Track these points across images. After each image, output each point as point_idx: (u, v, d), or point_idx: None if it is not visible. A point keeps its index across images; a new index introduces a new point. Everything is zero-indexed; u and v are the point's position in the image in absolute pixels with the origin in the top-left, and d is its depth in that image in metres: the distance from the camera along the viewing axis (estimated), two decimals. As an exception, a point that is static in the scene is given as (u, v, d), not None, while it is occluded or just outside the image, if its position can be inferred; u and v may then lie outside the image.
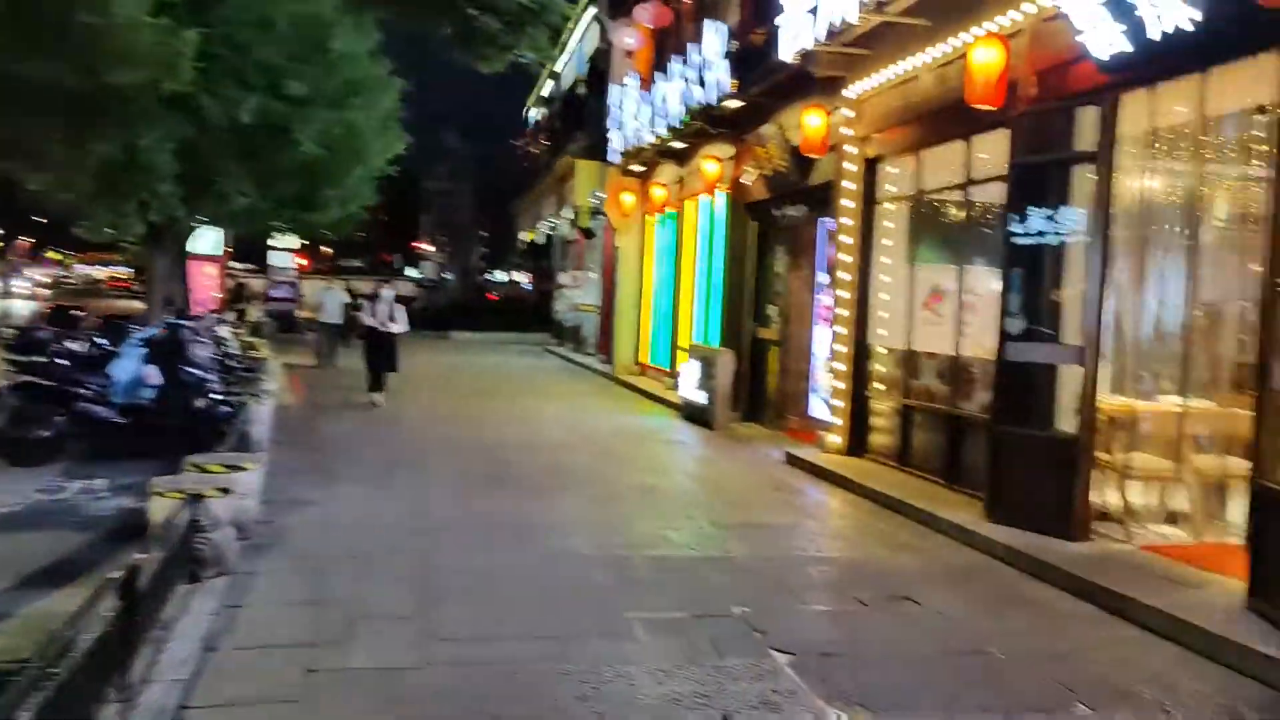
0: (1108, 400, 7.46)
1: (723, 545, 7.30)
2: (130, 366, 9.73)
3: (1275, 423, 5.66)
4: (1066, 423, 7.48)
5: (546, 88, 33.21)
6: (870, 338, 10.89)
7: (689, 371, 14.74)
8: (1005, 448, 7.81)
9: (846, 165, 11.10)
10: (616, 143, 19.73)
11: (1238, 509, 6.90)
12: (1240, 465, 6.91)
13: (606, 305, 24.21)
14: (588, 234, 27.09)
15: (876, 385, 10.73)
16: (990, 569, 6.93)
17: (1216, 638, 5.33)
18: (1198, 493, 7.47)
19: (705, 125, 15.09)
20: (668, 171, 18.83)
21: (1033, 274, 7.72)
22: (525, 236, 34.53)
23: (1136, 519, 7.46)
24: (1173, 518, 7.62)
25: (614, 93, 20.18)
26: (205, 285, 22.33)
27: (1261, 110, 6.76)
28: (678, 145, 16.95)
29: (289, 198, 12.51)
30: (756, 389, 14.35)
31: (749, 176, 14.15)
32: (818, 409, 12.34)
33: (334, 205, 12.59)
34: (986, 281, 9.04)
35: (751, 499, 9.20)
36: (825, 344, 12.08)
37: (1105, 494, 7.46)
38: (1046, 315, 7.63)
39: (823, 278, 12.33)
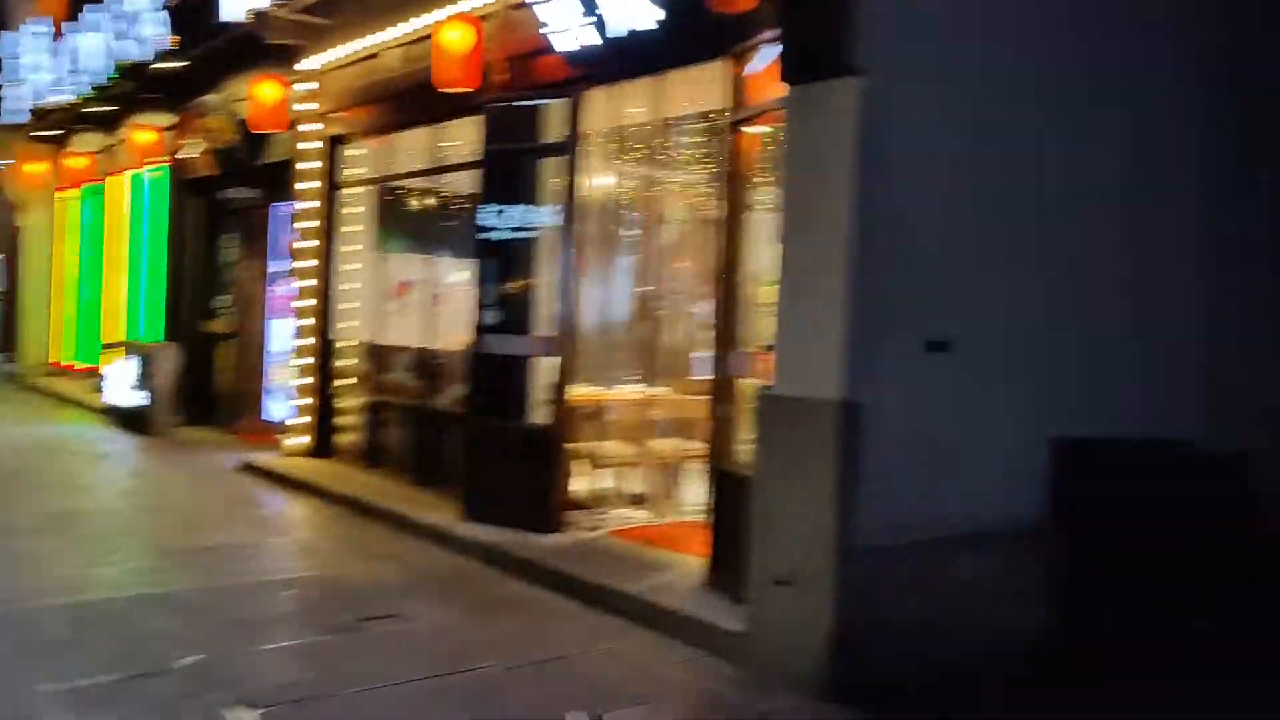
0: (577, 390, 7.56)
1: (165, 580, 6.13)
2: None
3: (728, 409, 6.01)
4: (540, 414, 7.44)
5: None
6: (334, 331, 10.13)
7: (120, 371, 12.72)
8: (481, 442, 7.58)
9: (306, 144, 10.21)
10: (15, 102, 16.53)
11: (694, 490, 7.35)
12: (695, 447, 7.38)
13: (10, 295, 20.37)
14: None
15: (343, 381, 10.01)
16: (473, 572, 6.63)
17: (687, 619, 5.51)
18: (658, 476, 7.88)
19: (138, 88, 13.13)
20: (90, 140, 16.19)
21: (506, 265, 7.58)
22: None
23: (605, 505, 7.65)
24: (638, 500, 7.97)
25: (8, 41, 16.83)
26: None
27: (707, 116, 7.26)
28: (103, 109, 14.60)
29: None
30: (204, 389, 12.80)
31: (193, 150, 12.55)
32: (277, 409, 11.28)
33: None
34: (458, 272, 8.79)
35: (201, 516, 8.00)
36: (284, 338, 11.08)
37: (576, 482, 7.55)
38: (520, 307, 7.53)
39: (280, 266, 11.29)
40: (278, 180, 11.13)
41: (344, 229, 10.15)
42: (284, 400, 10.88)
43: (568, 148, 7.20)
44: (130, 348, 12.97)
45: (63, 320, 17.82)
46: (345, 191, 10.13)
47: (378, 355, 9.53)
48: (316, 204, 10.19)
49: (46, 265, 18.08)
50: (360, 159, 10.08)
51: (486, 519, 7.34)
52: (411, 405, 9.00)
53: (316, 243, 10.16)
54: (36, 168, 17.47)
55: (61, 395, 15.42)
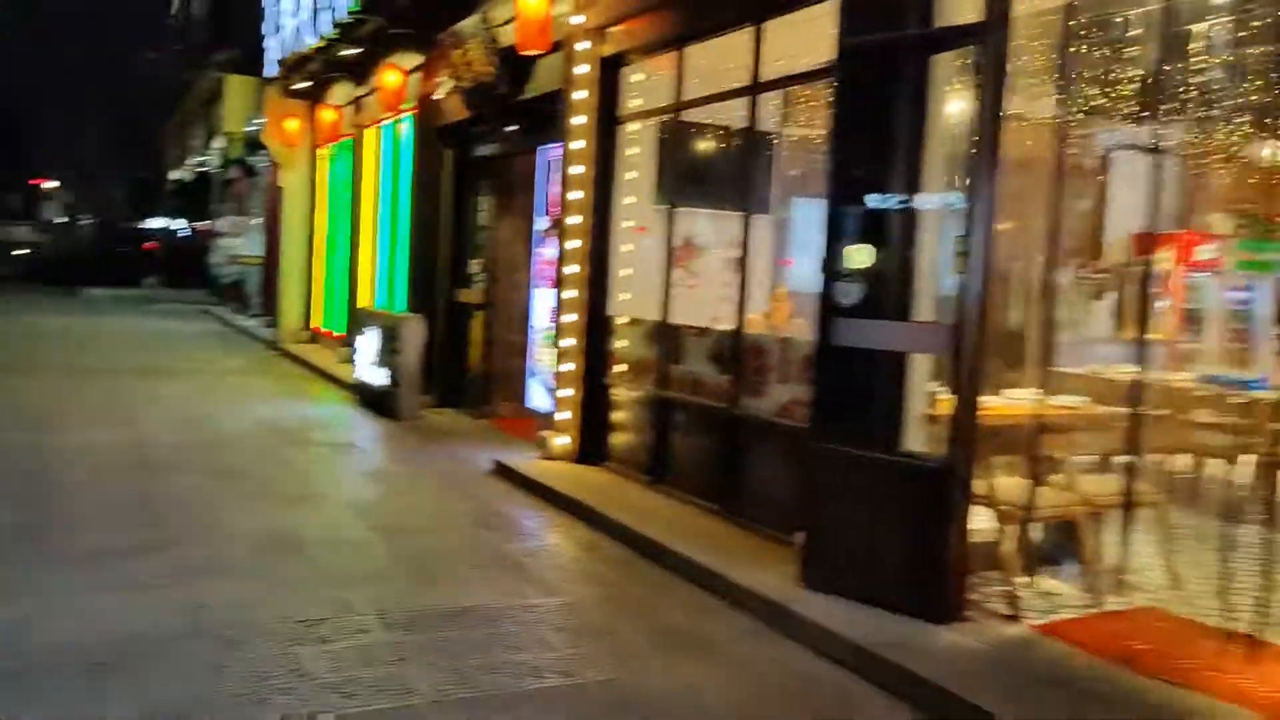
0: (987, 403, 5.01)
1: (390, 679, 4.14)
2: None
3: None
4: (923, 438, 4.97)
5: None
6: (611, 305, 8.05)
7: (367, 344, 11.30)
8: (829, 475, 5.18)
9: (577, 69, 8.12)
10: (275, 52, 15.62)
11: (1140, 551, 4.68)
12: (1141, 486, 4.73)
13: (271, 257, 19.98)
14: (248, 171, 22.53)
15: (620, 369, 7.92)
16: (841, 690, 4.28)
17: None
18: (1086, 527, 5.24)
19: (384, 22, 11.56)
20: (341, 91, 15.05)
21: (872, 221, 5.10)
22: (174, 175, 28.81)
23: (1002, 566, 5.09)
24: (1051, 560, 5.39)
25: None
26: None
27: None
28: (350, 52, 13.24)
29: None
30: (455, 367, 11.17)
31: (443, 90, 10.84)
32: (537, 396, 9.40)
33: None
34: (784, 229, 6.43)
35: (444, 554, 6.07)
36: (546, 310, 9.16)
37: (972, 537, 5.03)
38: (891, 282, 5.04)
39: (543, 224, 9.36)
40: (539, 120, 9.18)
41: (623, 176, 8.02)
42: (545, 387, 8.98)
43: (986, 33, 4.62)
44: (375, 319, 11.53)
45: (323, 284, 16.98)
46: (624, 129, 7.99)
47: (665, 337, 7.33)
48: (587, 145, 8.11)
49: (304, 226, 17.29)
50: (640, 86, 7.90)
51: (840, 589, 4.98)
52: (711, 407, 6.74)
53: (587, 194, 8.09)
54: (292, 124, 16.61)
55: (313, 365, 14.42)
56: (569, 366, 8.22)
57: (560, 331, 8.31)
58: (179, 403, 11.09)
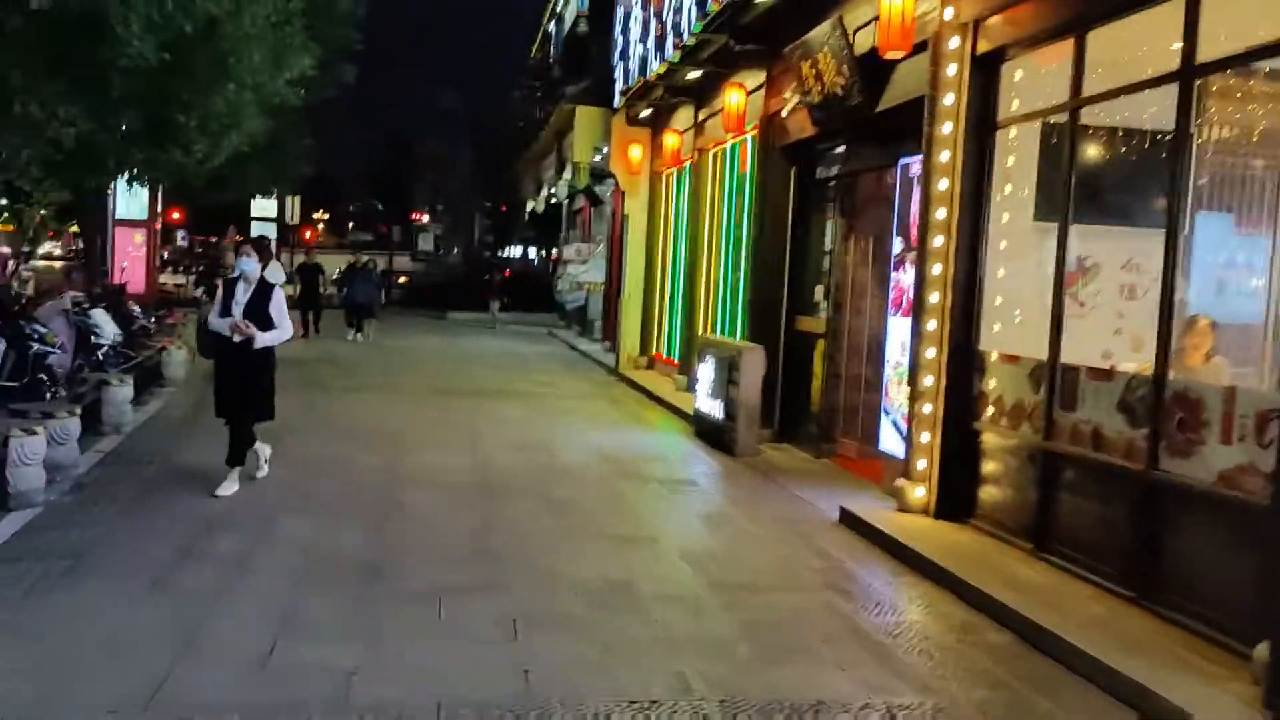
0: None
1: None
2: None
3: None
4: None
5: (551, 27, 29.08)
6: (981, 338, 6.98)
7: (705, 373, 10.86)
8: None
9: (945, 70, 7.16)
10: (621, 82, 15.79)
11: None
12: None
13: (613, 283, 20.38)
14: (594, 199, 23.22)
15: (991, 413, 6.83)
16: None
17: None
18: None
19: (728, 40, 11.14)
20: (683, 116, 14.91)
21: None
22: (529, 205, 30.57)
23: None
24: None
25: (618, 17, 16.20)
26: (134, 255, 18.64)
27: None
28: (693, 75, 13.00)
29: (140, 128, 8.62)
30: (796, 400, 10.46)
31: (788, 107, 10.21)
32: (887, 437, 8.46)
33: (198, 137, 8.63)
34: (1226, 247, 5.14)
35: (793, 619, 5.31)
36: (900, 342, 8.22)
37: None
38: None
39: (898, 247, 8.43)
40: (895, 133, 8.30)
41: (997, 190, 6.95)
42: (898, 426, 8.04)
43: None
44: (714, 347, 11.08)
45: (661, 310, 16.97)
46: (1001, 136, 6.92)
47: (1052, 378, 6.15)
48: (950, 155, 7.11)
49: (645, 252, 17.38)
50: (1027, 83, 6.80)
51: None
52: (1119, 466, 5.51)
53: (949, 211, 7.09)
54: (635, 151, 16.76)
55: (650, 392, 14.29)
56: (928, 408, 7.23)
57: (918, 367, 7.35)
58: (521, 426, 11.22)
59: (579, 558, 6.19)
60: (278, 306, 7.38)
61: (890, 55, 7.57)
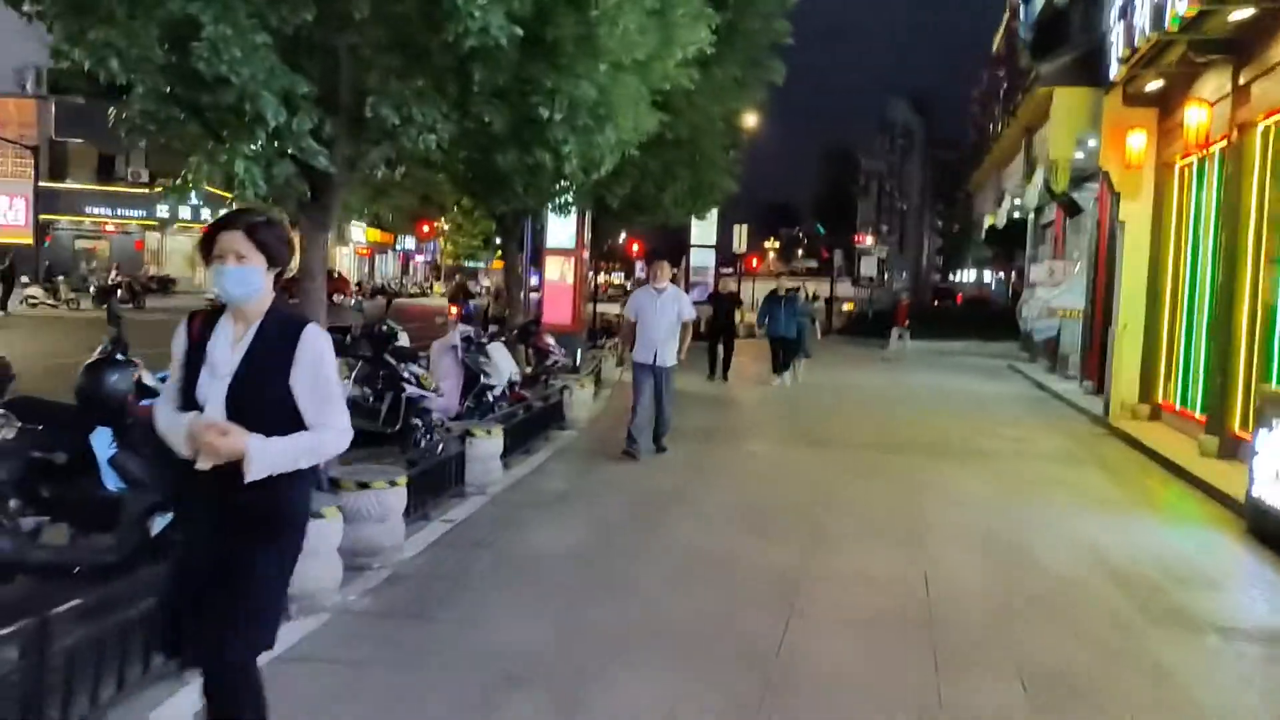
0: None
1: None
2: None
3: None
4: None
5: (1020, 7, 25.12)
6: None
7: (1271, 443, 7.18)
8: None
9: None
10: (1117, 48, 12.10)
11: None
12: None
13: (1099, 308, 16.41)
14: (1069, 207, 19.25)
15: None
16: None
17: None
18: None
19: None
20: (1212, 82, 11.00)
21: None
22: (987, 220, 26.76)
23: None
24: None
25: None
26: (555, 287, 17.99)
27: None
28: (1240, 15, 9.19)
29: (505, 130, 7.03)
30: None
31: None
32: None
33: (565, 133, 6.82)
34: None
35: None
36: None
37: None
38: None
39: None
40: None
41: None
42: None
43: None
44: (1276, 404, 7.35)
45: (1173, 345, 12.92)
46: None
47: None
48: None
49: (1149, 269, 13.40)
50: None
51: None
52: None
53: None
54: (1136, 138, 12.93)
55: (1158, 456, 10.55)
56: None
57: None
58: (980, 509, 8.21)
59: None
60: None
61: None
